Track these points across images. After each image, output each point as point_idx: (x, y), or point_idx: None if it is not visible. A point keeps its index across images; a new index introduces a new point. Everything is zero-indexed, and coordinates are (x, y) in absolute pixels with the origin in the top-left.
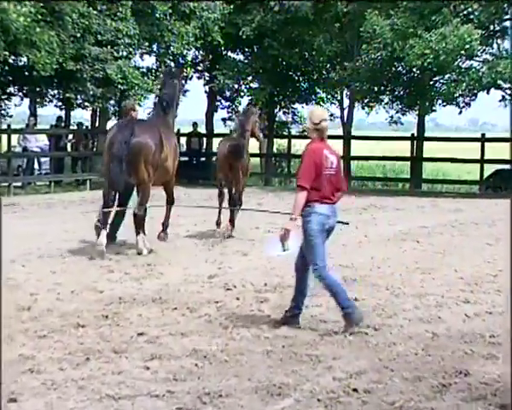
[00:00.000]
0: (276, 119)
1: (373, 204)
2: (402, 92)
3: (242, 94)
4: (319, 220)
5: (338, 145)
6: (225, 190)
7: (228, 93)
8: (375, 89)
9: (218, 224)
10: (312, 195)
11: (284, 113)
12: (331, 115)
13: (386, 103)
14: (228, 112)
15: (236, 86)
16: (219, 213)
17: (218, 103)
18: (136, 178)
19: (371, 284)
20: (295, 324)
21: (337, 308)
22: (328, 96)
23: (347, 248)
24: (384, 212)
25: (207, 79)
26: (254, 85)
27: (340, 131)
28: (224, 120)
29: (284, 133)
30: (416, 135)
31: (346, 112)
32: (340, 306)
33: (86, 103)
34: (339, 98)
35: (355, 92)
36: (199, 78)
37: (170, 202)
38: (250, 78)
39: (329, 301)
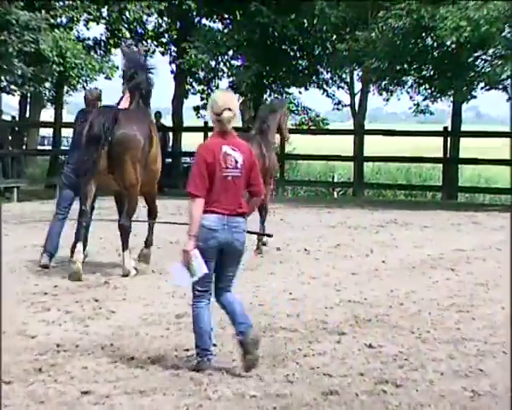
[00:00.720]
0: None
1: (393, 220)
2: (431, 72)
3: (221, 74)
4: (202, 235)
5: (347, 142)
6: None
7: (202, 73)
8: (397, 67)
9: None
10: (205, 203)
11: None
12: (338, 103)
13: (411, 87)
14: (201, 98)
15: (213, 64)
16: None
17: (189, 87)
18: (121, 181)
19: (391, 326)
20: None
21: (344, 358)
22: (335, 78)
23: (359, 278)
24: (408, 230)
25: (174, 54)
26: (236, 63)
27: (349, 124)
28: (196, 108)
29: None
30: (450, 129)
31: (357, 98)
32: (196, 351)
33: (13, 87)
34: (348, 80)
35: (370, 72)
36: (163, 53)
37: (153, 214)
38: (231, 53)
39: (336, 349)
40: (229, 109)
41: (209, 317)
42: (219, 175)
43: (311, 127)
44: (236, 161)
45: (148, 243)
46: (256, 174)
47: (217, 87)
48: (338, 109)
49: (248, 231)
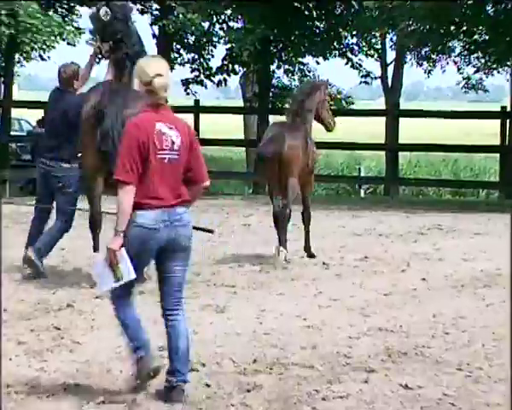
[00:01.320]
0: (274, 82)
1: (436, 226)
2: (486, 36)
3: (216, 39)
4: (138, 235)
5: (378, 126)
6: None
7: (192, 38)
8: (440, 30)
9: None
10: (136, 194)
11: (287, 72)
12: (366, 76)
13: (459, 55)
14: (192, 69)
15: (206, 26)
16: (281, 239)
17: (176, 55)
18: None
19: (433, 362)
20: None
21: (373, 403)
22: (362, 44)
23: (393, 300)
24: (455, 238)
25: (157, 13)
26: (236, 25)
27: (380, 103)
28: (185, 83)
29: (287, 106)
30: (508, 109)
31: (390, 70)
32: (132, 348)
33: None
34: (379, 47)
35: (406, 36)
36: (142, 12)
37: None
38: (229, 12)
39: (362, 390)
40: (160, 75)
41: (135, 313)
42: (154, 158)
43: (332, 107)
44: (173, 142)
45: None
46: (196, 156)
47: (212, 57)
48: (366, 83)
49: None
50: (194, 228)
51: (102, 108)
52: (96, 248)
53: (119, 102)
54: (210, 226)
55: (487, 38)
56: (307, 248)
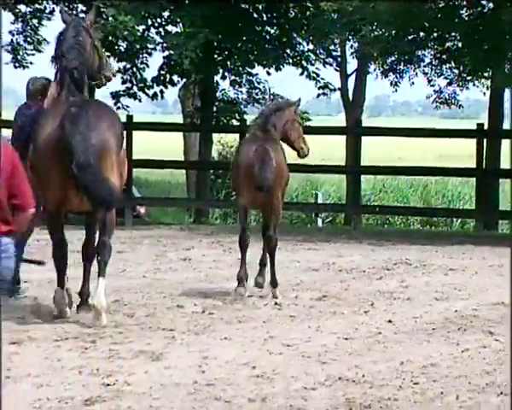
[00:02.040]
0: (218, 94)
1: (404, 259)
2: (460, 44)
3: (152, 46)
4: None
5: (337, 146)
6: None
7: (123, 44)
8: (409, 37)
9: (240, 279)
10: None
11: (233, 83)
12: (324, 87)
13: (430, 65)
14: (123, 80)
15: (140, 30)
16: (243, 264)
17: None
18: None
19: None
20: None
21: None
22: (319, 52)
23: (355, 346)
24: (425, 275)
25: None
26: (175, 29)
27: (340, 119)
28: (115, 95)
29: (234, 122)
30: (486, 127)
31: (351, 82)
32: None
33: None
34: (338, 55)
35: (369, 43)
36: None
37: (105, 238)
38: (166, 14)
39: None
40: None
41: None
42: None
43: None
44: None
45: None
46: (20, 181)
47: (146, 67)
48: (324, 95)
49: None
50: (25, 260)
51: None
52: None
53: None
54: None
55: (461, 45)
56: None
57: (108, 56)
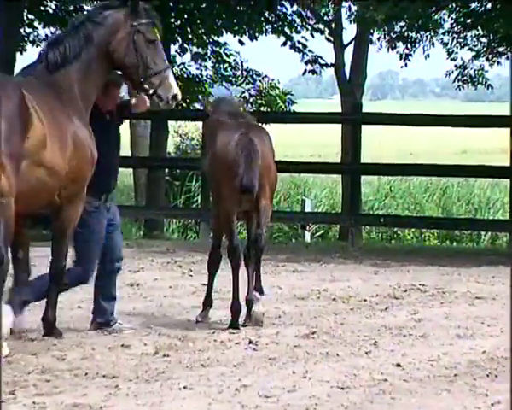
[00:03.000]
0: (176, 69)
1: (417, 285)
2: (489, 4)
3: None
4: None
5: (331, 137)
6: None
7: (51, 3)
8: None
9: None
10: None
11: (195, 56)
12: (314, 61)
13: (450, 32)
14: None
15: None
16: (211, 285)
17: (29, 30)
18: None
19: None
20: None
21: None
22: (308, 16)
23: (352, 396)
24: (444, 306)
25: None
26: None
27: (334, 103)
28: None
29: (196, 106)
30: None
31: (349, 55)
32: None
33: None
34: (331, 19)
35: (372, 6)
36: None
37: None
38: None
39: None
40: None
41: None
42: None
43: (263, 108)
44: None
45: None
46: None
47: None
48: (313, 73)
49: None
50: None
51: None
52: None
53: None
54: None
55: (491, 6)
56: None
57: (33, 20)
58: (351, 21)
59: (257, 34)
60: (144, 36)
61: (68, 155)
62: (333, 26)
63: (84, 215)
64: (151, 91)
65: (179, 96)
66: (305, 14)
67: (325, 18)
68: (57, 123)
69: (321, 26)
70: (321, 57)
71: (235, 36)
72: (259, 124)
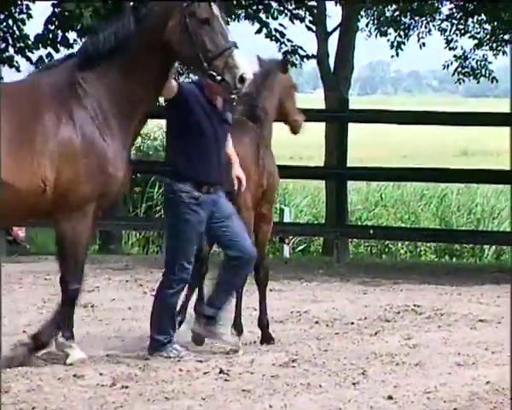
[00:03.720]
0: None
1: (411, 306)
2: None
3: None
4: None
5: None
6: None
7: None
8: None
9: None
10: None
11: None
12: (293, 52)
13: (449, 18)
14: None
15: None
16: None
17: None
18: None
19: None
20: None
21: None
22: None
23: None
24: (442, 329)
25: None
26: None
27: (317, 98)
28: None
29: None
30: None
31: (333, 44)
32: None
33: None
34: (313, 5)
35: None
36: None
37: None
38: None
39: None
40: None
41: None
42: None
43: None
44: None
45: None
46: None
47: (29, 17)
48: (292, 65)
49: None
50: None
51: None
52: None
53: None
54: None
55: None
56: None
57: None
58: (336, 3)
59: (228, 19)
60: (196, 16)
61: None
62: (315, 11)
63: (179, 206)
64: (219, 78)
65: (247, 76)
66: (282, 2)
67: (306, 2)
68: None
69: (301, 12)
70: (301, 47)
71: None
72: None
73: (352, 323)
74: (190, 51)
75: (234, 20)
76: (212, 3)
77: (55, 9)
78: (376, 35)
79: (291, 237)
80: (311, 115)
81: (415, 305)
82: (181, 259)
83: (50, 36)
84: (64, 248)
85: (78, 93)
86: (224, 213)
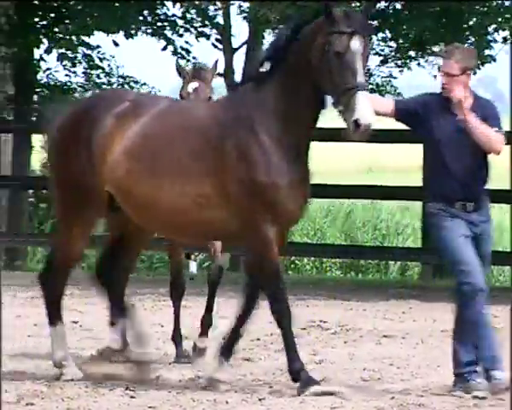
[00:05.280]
0: (41, 76)
1: (317, 322)
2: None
3: None
4: None
5: None
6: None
7: None
8: None
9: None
10: None
11: (63, 59)
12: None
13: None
14: None
15: None
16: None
17: None
18: None
19: None
20: None
21: None
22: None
23: None
24: (348, 345)
25: None
26: None
27: None
28: None
29: None
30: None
31: (239, 59)
32: None
33: None
34: (220, 24)
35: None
36: None
37: None
38: None
39: None
40: None
41: None
42: None
43: None
44: None
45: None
46: None
47: None
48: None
49: None
50: None
51: None
52: None
53: None
54: None
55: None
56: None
57: None
58: (243, 19)
59: (132, 32)
60: (333, 47)
61: None
62: (221, 28)
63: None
64: (340, 115)
65: (363, 123)
66: (189, 17)
67: (212, 18)
68: None
69: (207, 30)
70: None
71: (108, 35)
72: None
73: (258, 339)
74: (322, 80)
75: (138, 33)
76: (356, 36)
77: None
78: None
79: (197, 254)
80: None
81: (320, 321)
82: (458, 266)
83: None
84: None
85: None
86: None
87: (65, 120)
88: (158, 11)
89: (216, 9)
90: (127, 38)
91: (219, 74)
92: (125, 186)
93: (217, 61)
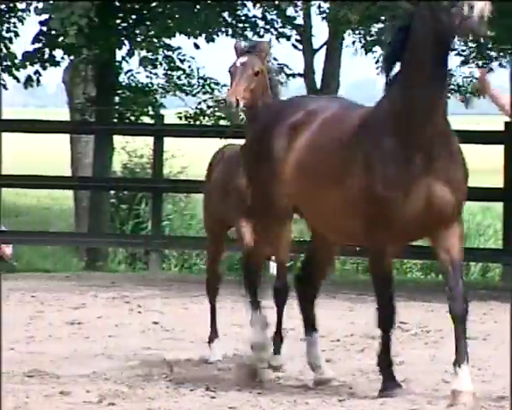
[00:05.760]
0: (123, 78)
1: (397, 321)
2: None
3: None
4: None
5: None
6: None
7: None
8: None
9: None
10: None
11: (145, 62)
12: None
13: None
14: None
15: None
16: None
17: None
18: None
19: None
20: None
21: None
22: (270, 16)
23: None
24: (429, 347)
25: None
26: None
27: None
28: None
29: (146, 119)
30: None
31: (319, 61)
32: None
33: None
34: (298, 24)
35: (346, 5)
36: None
37: None
38: None
39: None
40: None
41: None
42: None
43: (222, 121)
44: None
45: None
46: None
47: (16, 35)
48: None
49: None
50: None
51: None
52: None
53: None
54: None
55: None
56: None
57: None
58: (323, 19)
59: (214, 36)
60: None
61: None
62: (302, 28)
63: None
64: None
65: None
66: (269, 17)
67: (292, 19)
68: None
69: (287, 31)
70: (287, 66)
71: (189, 38)
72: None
73: (338, 340)
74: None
75: (220, 35)
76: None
77: (42, 28)
78: (362, 52)
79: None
80: None
81: (401, 322)
82: None
83: (38, 54)
84: None
85: None
86: None
87: (256, 125)
88: (238, 12)
89: (296, 10)
90: (208, 42)
91: (299, 75)
92: (297, 199)
93: (270, 40)
